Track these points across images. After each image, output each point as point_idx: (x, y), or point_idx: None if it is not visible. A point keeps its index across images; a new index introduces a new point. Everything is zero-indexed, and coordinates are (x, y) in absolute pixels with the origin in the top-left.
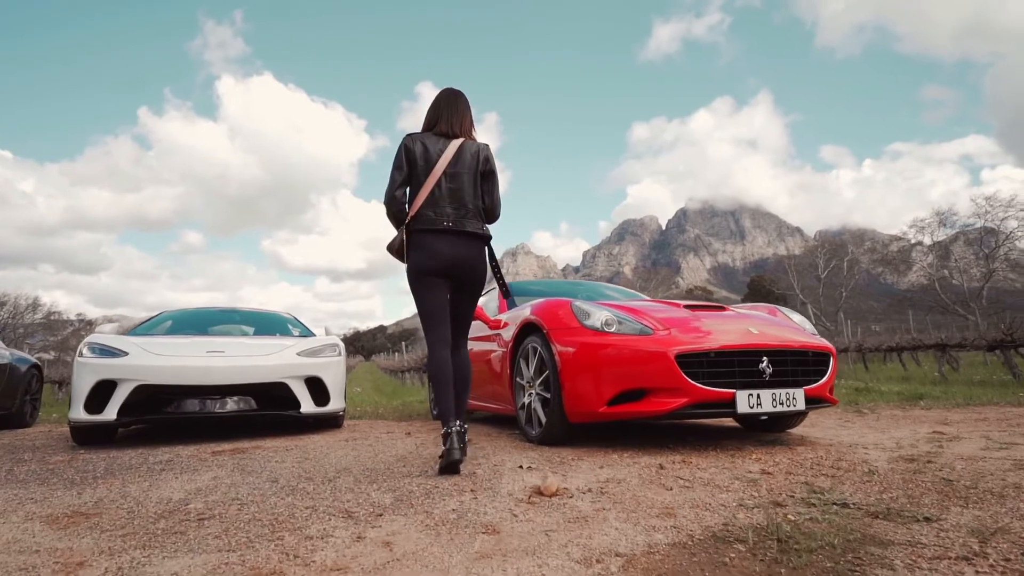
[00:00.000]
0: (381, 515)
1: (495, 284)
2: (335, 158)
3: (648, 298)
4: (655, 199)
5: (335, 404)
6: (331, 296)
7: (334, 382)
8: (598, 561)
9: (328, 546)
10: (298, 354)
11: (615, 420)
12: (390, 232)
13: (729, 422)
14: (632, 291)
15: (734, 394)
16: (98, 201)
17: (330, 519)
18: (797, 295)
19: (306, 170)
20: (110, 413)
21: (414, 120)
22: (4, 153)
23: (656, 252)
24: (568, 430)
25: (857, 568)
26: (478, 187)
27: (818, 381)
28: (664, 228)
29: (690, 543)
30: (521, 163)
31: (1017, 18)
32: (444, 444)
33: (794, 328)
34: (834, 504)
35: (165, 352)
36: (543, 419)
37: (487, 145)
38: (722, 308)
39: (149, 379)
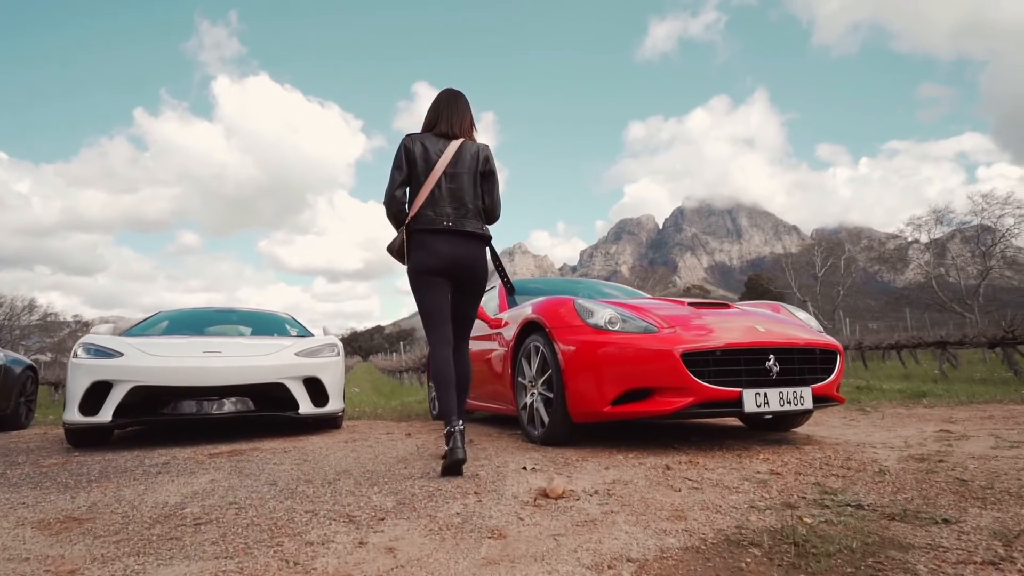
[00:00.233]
0: (383, 519)
1: (494, 283)
2: (332, 158)
3: (650, 296)
4: (652, 198)
5: (334, 405)
6: (328, 296)
7: (333, 382)
8: (610, 567)
9: (329, 552)
10: (296, 354)
11: (619, 420)
12: (388, 233)
13: (732, 421)
14: (632, 289)
15: (741, 393)
16: (94, 202)
17: (331, 524)
18: (795, 293)
19: (303, 170)
20: (105, 415)
21: (411, 120)
22: None
23: (653, 251)
24: (571, 430)
25: (879, 573)
26: (478, 187)
27: (825, 379)
28: (661, 227)
29: (703, 547)
30: (518, 162)
31: (1013, 16)
32: (447, 444)
33: (800, 325)
34: (848, 505)
35: (161, 353)
36: (546, 419)
37: (487, 145)
38: (727, 305)
39: (145, 380)
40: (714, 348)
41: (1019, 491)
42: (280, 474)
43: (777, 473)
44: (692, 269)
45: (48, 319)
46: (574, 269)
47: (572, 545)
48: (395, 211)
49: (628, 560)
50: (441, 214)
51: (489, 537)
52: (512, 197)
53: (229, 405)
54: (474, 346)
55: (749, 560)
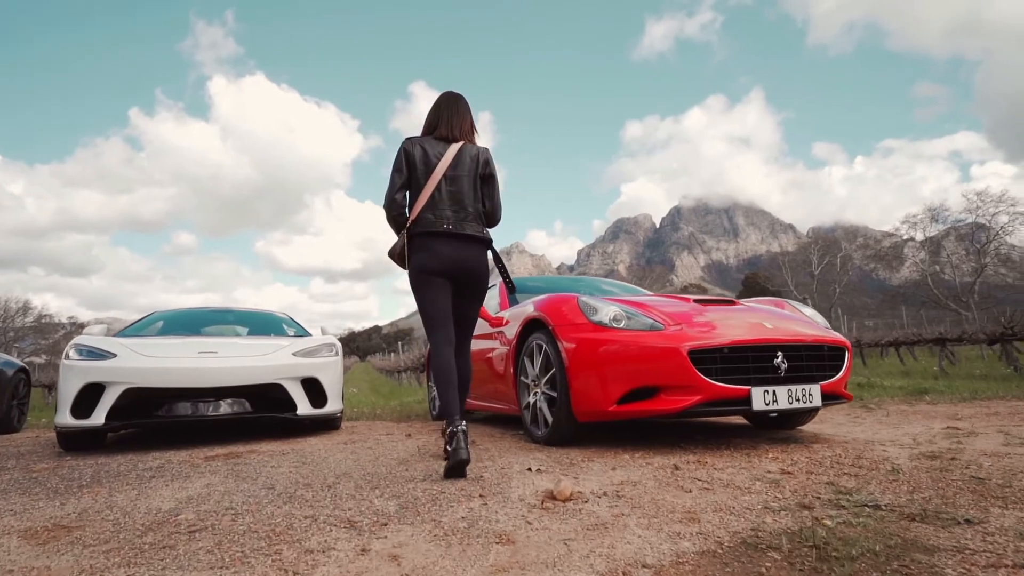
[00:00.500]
0: (386, 524)
1: (495, 281)
2: (328, 158)
3: (652, 293)
4: (649, 197)
5: (332, 405)
6: (326, 297)
7: (331, 383)
8: (624, 574)
9: (330, 561)
10: (294, 354)
11: (625, 419)
12: (386, 234)
13: (737, 419)
14: (633, 286)
15: (749, 391)
16: (89, 203)
17: (331, 530)
18: (792, 292)
19: (299, 170)
20: (98, 417)
21: (407, 120)
22: None
23: (650, 250)
24: (576, 430)
25: None
26: (478, 190)
27: (834, 376)
28: (658, 226)
29: (720, 551)
30: (515, 162)
31: (1007, 15)
32: (450, 444)
33: (807, 322)
34: (865, 506)
35: (155, 353)
36: (549, 419)
37: (487, 148)
38: (732, 302)
39: (138, 382)
40: (721, 345)
41: None
42: (278, 477)
43: (788, 472)
44: (689, 268)
45: (43, 321)
46: (571, 268)
47: (584, 550)
48: (395, 215)
49: (643, 566)
50: (441, 217)
51: (497, 543)
52: (509, 197)
53: (225, 407)
54: (475, 345)
55: (769, 565)
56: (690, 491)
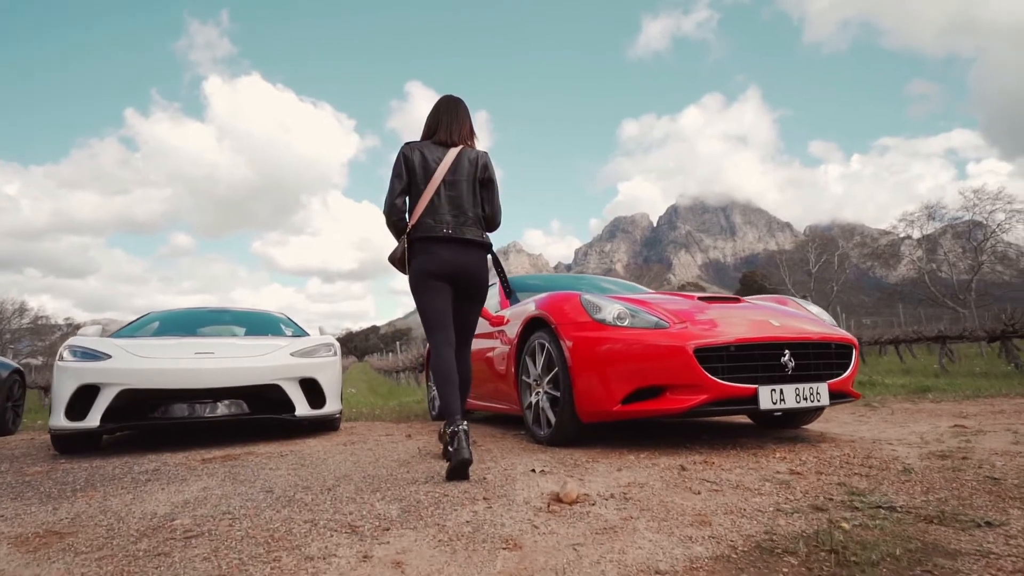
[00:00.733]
0: (388, 529)
1: (495, 280)
2: (325, 158)
3: (654, 291)
4: (646, 196)
5: (331, 406)
6: (323, 297)
7: (330, 383)
8: None
9: (331, 568)
10: (292, 354)
11: (630, 419)
12: (384, 235)
13: (742, 418)
14: (633, 284)
15: (756, 390)
16: (85, 204)
17: (332, 535)
18: (789, 290)
19: (296, 171)
20: (93, 420)
21: (404, 119)
22: None
23: (648, 249)
24: (579, 430)
25: None
26: (477, 195)
27: (841, 375)
28: (655, 225)
29: (734, 556)
30: (512, 162)
31: (1001, 13)
32: (451, 444)
33: (812, 319)
34: (880, 507)
35: (151, 354)
36: (552, 419)
37: (486, 152)
38: (736, 299)
39: (134, 383)
40: (727, 343)
41: None
42: (276, 480)
43: (797, 473)
44: (686, 266)
45: (39, 322)
46: (569, 268)
47: (594, 556)
48: (395, 220)
49: (656, 572)
50: (441, 222)
51: (504, 548)
52: (507, 196)
53: (222, 408)
54: (475, 344)
55: (786, 570)
56: (699, 493)
